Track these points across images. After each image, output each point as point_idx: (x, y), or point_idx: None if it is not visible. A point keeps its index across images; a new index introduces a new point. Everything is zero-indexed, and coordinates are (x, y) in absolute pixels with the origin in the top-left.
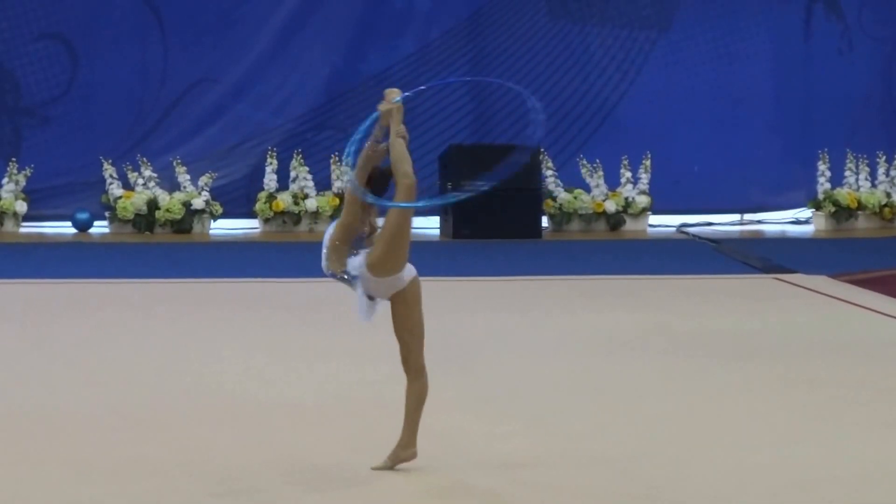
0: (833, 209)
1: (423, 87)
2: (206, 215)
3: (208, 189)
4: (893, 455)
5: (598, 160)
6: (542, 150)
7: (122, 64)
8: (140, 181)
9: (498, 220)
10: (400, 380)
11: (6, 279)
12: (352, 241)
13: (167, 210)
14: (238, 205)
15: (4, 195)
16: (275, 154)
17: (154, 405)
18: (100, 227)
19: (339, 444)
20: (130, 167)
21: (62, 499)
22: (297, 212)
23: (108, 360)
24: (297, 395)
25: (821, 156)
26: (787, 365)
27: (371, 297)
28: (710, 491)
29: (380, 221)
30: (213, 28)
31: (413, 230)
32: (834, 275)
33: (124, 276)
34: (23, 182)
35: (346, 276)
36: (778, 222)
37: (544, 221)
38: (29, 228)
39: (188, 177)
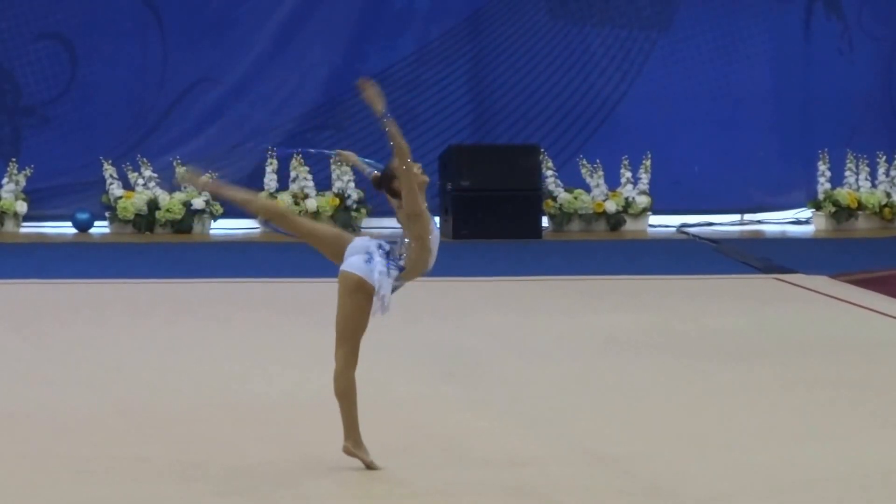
0: (833, 209)
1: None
2: (206, 215)
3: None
4: (893, 455)
5: (598, 160)
6: (542, 150)
7: (122, 64)
8: (140, 181)
9: (498, 220)
10: (397, 379)
11: (6, 279)
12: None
13: (167, 210)
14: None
15: (5, 195)
16: (275, 154)
17: (155, 405)
18: (100, 228)
19: (340, 443)
20: (130, 167)
21: (63, 499)
22: (297, 212)
23: (109, 360)
24: (297, 394)
25: (821, 156)
26: (786, 365)
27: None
28: (711, 490)
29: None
30: (212, 28)
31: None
32: (834, 275)
33: (125, 276)
34: (23, 182)
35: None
36: (778, 222)
37: (544, 222)
38: (29, 229)
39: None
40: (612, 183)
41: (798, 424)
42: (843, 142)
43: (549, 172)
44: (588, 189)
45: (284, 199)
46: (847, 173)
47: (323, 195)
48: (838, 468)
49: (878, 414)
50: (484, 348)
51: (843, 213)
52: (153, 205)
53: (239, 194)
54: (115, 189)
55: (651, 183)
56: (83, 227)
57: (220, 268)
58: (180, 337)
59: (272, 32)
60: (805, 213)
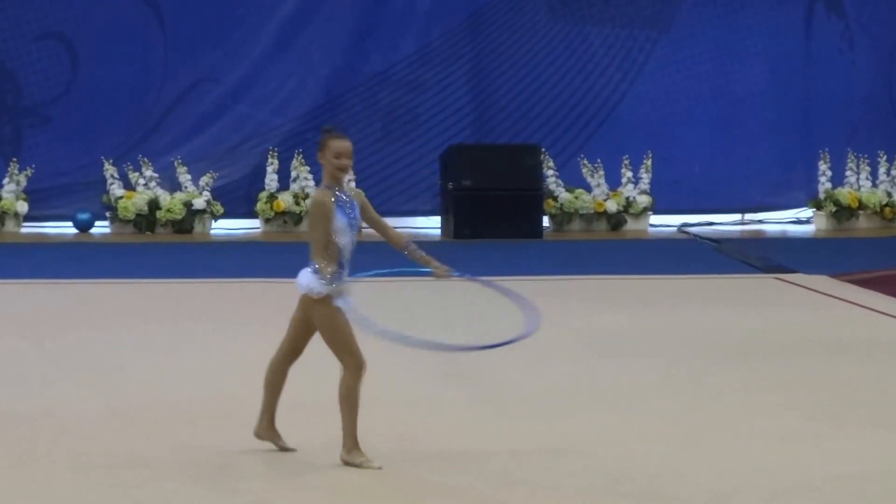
0: (834, 209)
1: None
2: (207, 215)
3: (209, 189)
4: (893, 455)
5: (598, 160)
6: (543, 149)
7: (123, 64)
8: (141, 181)
9: (499, 220)
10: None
11: (7, 279)
12: None
13: (168, 210)
14: (239, 205)
15: (5, 195)
16: (276, 154)
17: (155, 405)
18: (101, 228)
19: (340, 444)
20: (131, 167)
21: (61, 498)
22: (297, 212)
23: (109, 360)
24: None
25: (821, 155)
26: (787, 364)
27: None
28: (711, 490)
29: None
30: (213, 28)
31: (414, 230)
32: (834, 274)
33: (126, 276)
34: (24, 182)
35: None
36: (779, 222)
37: (545, 221)
38: (30, 229)
39: (189, 177)
40: (613, 182)
41: (798, 424)
42: (843, 141)
43: (550, 172)
44: (589, 189)
45: (285, 198)
46: (848, 173)
47: None
48: (839, 468)
49: (878, 414)
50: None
51: (843, 213)
52: (154, 205)
53: None
54: (116, 189)
55: (652, 182)
56: (84, 227)
57: (221, 268)
58: (181, 337)
59: (273, 33)
60: (806, 212)
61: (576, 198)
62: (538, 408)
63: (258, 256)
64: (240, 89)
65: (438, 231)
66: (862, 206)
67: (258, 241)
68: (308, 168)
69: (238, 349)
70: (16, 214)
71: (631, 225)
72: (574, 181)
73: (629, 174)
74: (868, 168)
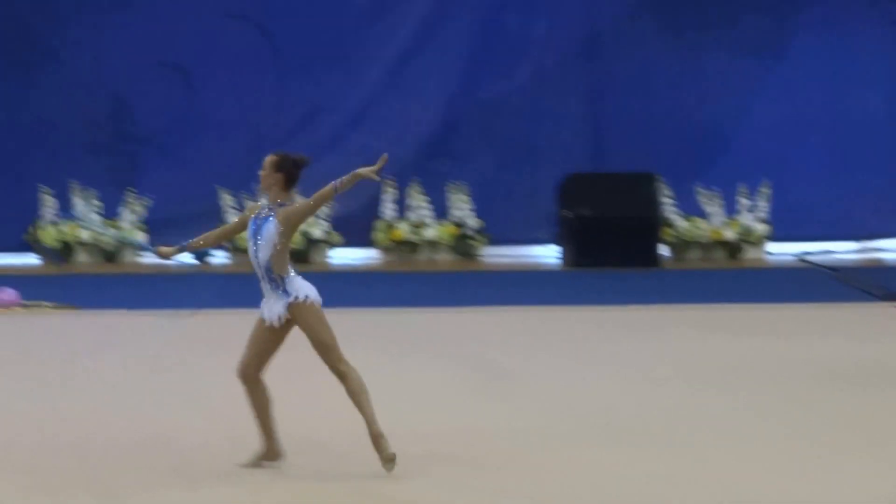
0: None
1: None
2: (325, 245)
3: (327, 219)
4: None
5: (715, 188)
6: (660, 177)
7: (239, 93)
8: None
9: (616, 248)
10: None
11: (125, 309)
12: None
13: None
14: (356, 234)
15: (124, 225)
16: (393, 183)
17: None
18: (219, 259)
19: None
20: (248, 196)
21: None
22: (415, 241)
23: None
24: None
25: None
26: None
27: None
28: None
29: None
30: (328, 56)
31: (529, 259)
32: None
33: (246, 305)
34: (142, 212)
35: None
36: None
37: (663, 250)
38: (149, 259)
39: None
40: (730, 210)
41: None
42: None
43: (668, 200)
44: (705, 217)
45: (402, 228)
46: None
47: (441, 224)
48: None
49: None
50: (599, 375)
51: None
52: None
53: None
54: (233, 219)
55: (769, 210)
56: (202, 257)
57: (339, 297)
58: (298, 364)
59: (388, 60)
60: None
61: (693, 226)
62: (654, 434)
63: (376, 286)
64: (355, 118)
65: (555, 260)
66: None
67: (376, 271)
68: (425, 197)
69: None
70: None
71: (749, 253)
72: (691, 209)
73: (746, 202)
74: None
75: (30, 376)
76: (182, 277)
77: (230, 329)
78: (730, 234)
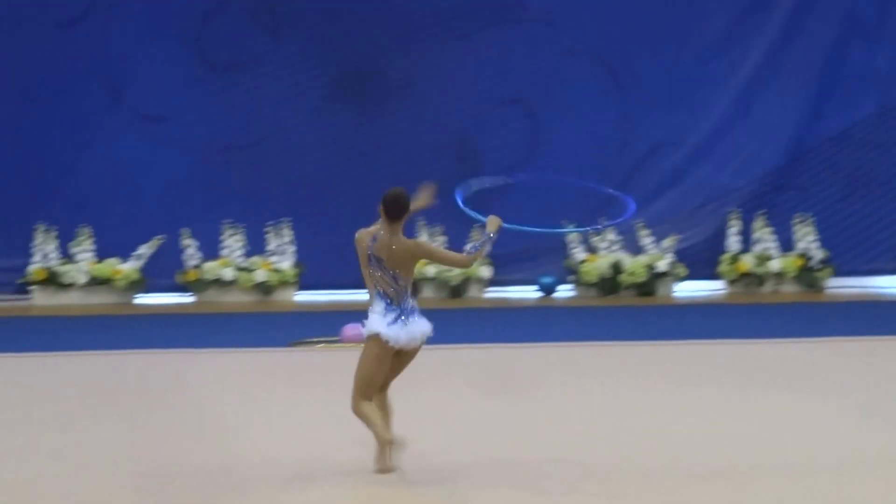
0: None
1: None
2: (669, 277)
3: (672, 251)
4: None
5: None
6: None
7: (582, 129)
8: (603, 244)
9: None
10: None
11: (470, 344)
12: None
13: (631, 273)
14: (701, 267)
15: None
16: (738, 215)
17: (630, 467)
18: (564, 291)
19: None
20: (591, 231)
21: None
22: (761, 273)
23: (580, 420)
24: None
25: None
26: None
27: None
28: None
29: None
30: (672, 91)
31: (874, 290)
32: None
33: (589, 339)
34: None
35: None
36: None
37: None
38: (493, 293)
39: (651, 239)
40: None
41: None
42: None
43: None
44: None
45: (748, 260)
46: None
47: (786, 255)
48: None
49: None
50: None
51: None
52: (616, 268)
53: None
54: (579, 253)
55: None
56: (548, 290)
57: (685, 330)
58: (651, 398)
59: (733, 93)
60: None
61: None
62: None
63: (722, 319)
64: (700, 151)
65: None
66: None
67: (722, 304)
68: (771, 229)
69: (708, 412)
70: (479, 279)
71: None
72: None
73: None
74: None
75: None
76: (521, 311)
77: (575, 360)
78: None
